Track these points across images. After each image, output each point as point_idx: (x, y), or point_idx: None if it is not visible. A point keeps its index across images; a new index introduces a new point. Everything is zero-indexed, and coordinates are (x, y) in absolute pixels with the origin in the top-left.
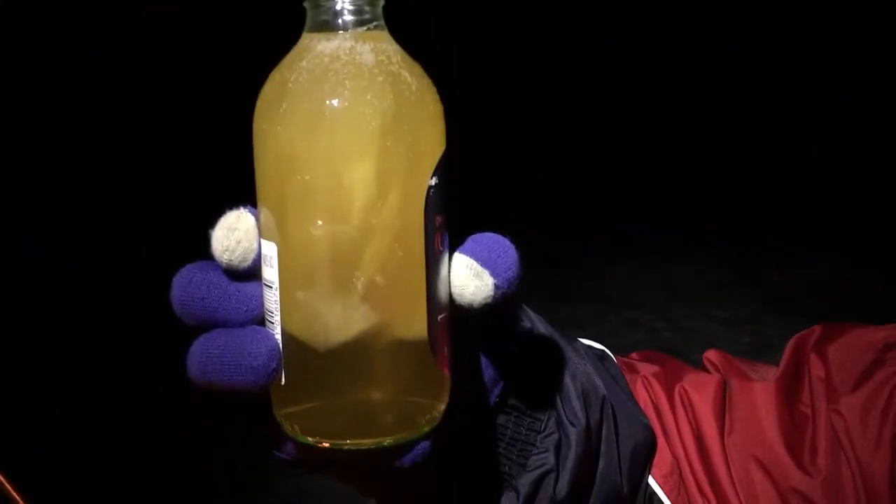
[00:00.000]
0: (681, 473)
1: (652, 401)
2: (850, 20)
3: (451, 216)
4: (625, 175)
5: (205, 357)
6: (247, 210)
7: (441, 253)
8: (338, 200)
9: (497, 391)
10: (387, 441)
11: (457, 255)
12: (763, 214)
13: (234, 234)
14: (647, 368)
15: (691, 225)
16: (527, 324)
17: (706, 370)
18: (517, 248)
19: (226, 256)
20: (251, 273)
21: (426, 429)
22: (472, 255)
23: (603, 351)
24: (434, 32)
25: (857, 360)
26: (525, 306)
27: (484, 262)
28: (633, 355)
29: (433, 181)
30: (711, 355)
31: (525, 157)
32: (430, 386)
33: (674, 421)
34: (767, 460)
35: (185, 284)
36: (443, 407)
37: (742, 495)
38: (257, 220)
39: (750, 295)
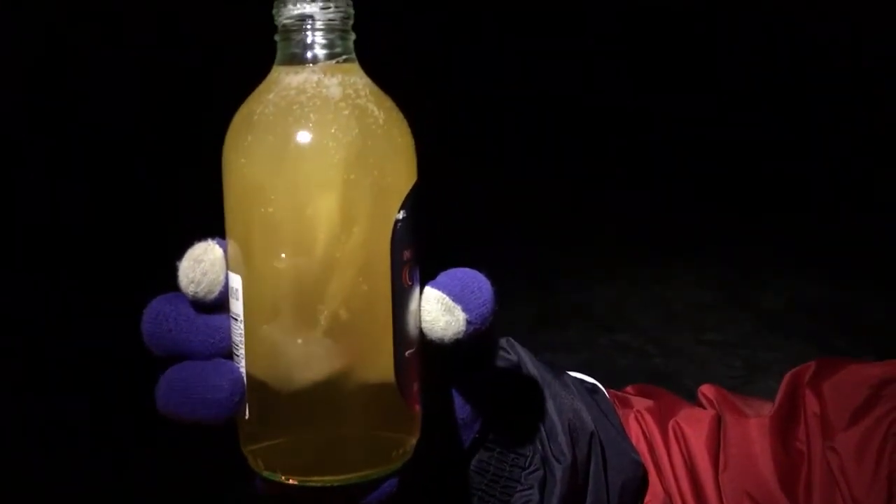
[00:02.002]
0: None
1: (645, 435)
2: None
3: (423, 249)
4: (615, 197)
5: (169, 389)
6: (215, 242)
7: (410, 287)
8: (301, 233)
9: (476, 427)
10: (353, 478)
11: (428, 289)
12: (753, 236)
13: (200, 265)
14: (640, 403)
15: (682, 247)
16: (512, 358)
17: (700, 404)
18: (496, 280)
19: (191, 288)
20: (218, 305)
21: (395, 465)
22: (444, 289)
23: (594, 385)
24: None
25: (853, 397)
26: (514, 341)
27: (456, 298)
28: (628, 389)
29: (401, 215)
30: (706, 390)
31: (514, 176)
32: (398, 422)
33: (667, 456)
34: (761, 497)
35: (154, 316)
36: (413, 442)
37: None
38: (226, 252)
39: (741, 317)
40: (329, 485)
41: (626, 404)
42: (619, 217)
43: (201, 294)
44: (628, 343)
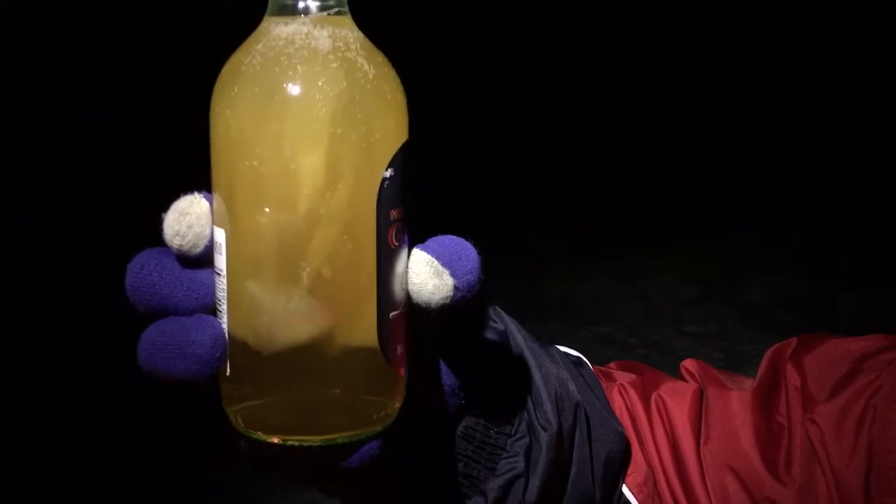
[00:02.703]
0: (655, 482)
1: (628, 409)
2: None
3: (413, 211)
4: (599, 192)
5: (150, 345)
6: (201, 195)
7: (397, 248)
8: (284, 188)
9: (462, 395)
10: (334, 438)
11: (416, 252)
12: (734, 232)
13: (185, 218)
14: (623, 377)
15: (664, 242)
16: (499, 327)
17: (683, 379)
18: (483, 255)
19: (176, 241)
20: (203, 260)
21: (377, 428)
22: (433, 253)
23: (579, 358)
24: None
25: (833, 370)
26: (500, 310)
27: (445, 262)
28: (611, 365)
29: (388, 173)
30: (689, 364)
31: (499, 170)
32: (380, 384)
33: (650, 429)
34: (742, 470)
35: (138, 271)
36: (396, 406)
37: None
38: (212, 206)
39: (722, 311)
40: (310, 445)
41: (610, 378)
42: (602, 212)
43: (186, 247)
44: (611, 336)
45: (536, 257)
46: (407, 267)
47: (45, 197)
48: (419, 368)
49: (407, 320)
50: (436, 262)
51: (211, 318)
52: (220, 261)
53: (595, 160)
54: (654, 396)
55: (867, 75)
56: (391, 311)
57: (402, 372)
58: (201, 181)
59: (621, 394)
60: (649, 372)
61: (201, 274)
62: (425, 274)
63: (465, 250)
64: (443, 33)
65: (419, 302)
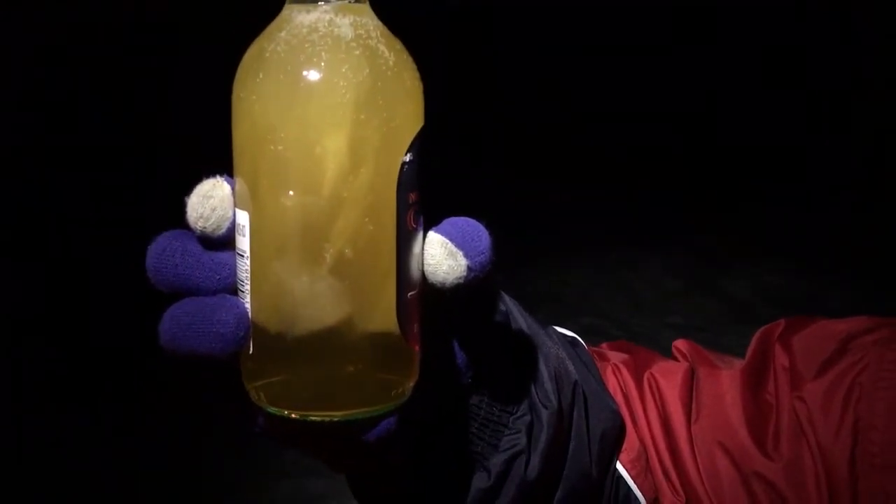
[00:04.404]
0: (647, 458)
1: (621, 387)
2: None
3: (427, 196)
4: (585, 186)
5: (174, 324)
6: (223, 179)
7: (414, 230)
8: (309, 171)
9: (469, 374)
10: (353, 414)
11: (431, 234)
12: (718, 226)
13: (208, 201)
14: (616, 356)
15: (649, 236)
16: (502, 308)
17: (674, 359)
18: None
19: (199, 224)
20: (225, 242)
21: (395, 404)
22: (447, 235)
23: (574, 338)
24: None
25: (820, 350)
26: (503, 293)
27: (458, 244)
28: (603, 345)
29: (408, 157)
30: (680, 345)
31: (487, 163)
32: (397, 362)
33: (642, 407)
34: (731, 446)
35: (160, 252)
36: (411, 384)
37: (706, 480)
38: (233, 189)
39: (704, 303)
40: (329, 420)
41: (603, 358)
42: (588, 206)
43: (209, 229)
44: (596, 328)
45: (521, 250)
46: (423, 248)
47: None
48: (432, 347)
49: (422, 300)
50: (450, 244)
51: (234, 297)
52: (244, 242)
53: (581, 153)
54: (646, 375)
55: (858, 72)
56: (409, 291)
57: (417, 350)
58: (223, 167)
59: (614, 373)
60: (641, 352)
61: (223, 255)
62: (440, 255)
63: (478, 232)
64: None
65: (434, 282)
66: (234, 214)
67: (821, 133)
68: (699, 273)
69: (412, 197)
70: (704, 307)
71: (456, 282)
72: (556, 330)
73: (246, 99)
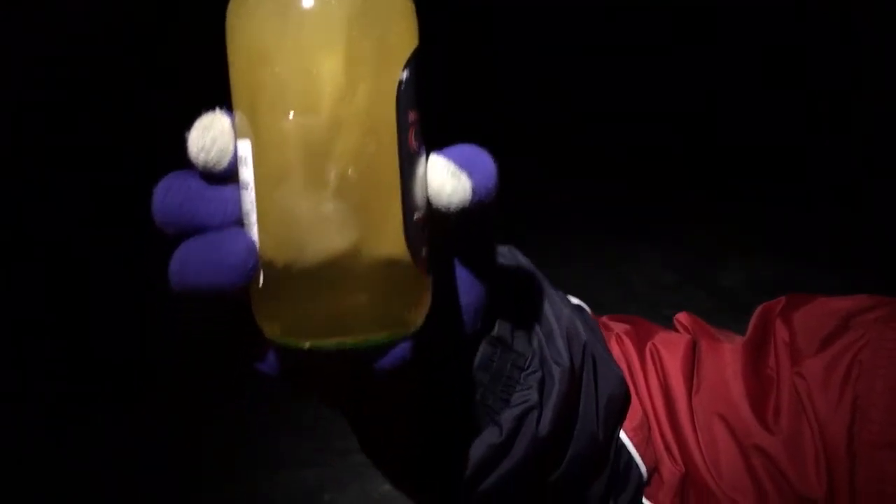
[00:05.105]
0: (649, 428)
1: (624, 357)
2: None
3: (426, 117)
4: (579, 179)
5: (183, 260)
6: (222, 111)
7: (416, 152)
8: (307, 92)
9: (478, 317)
10: (367, 340)
11: (434, 156)
12: (711, 219)
13: (209, 133)
14: (618, 326)
15: (643, 229)
16: (515, 261)
17: (676, 332)
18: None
19: (202, 157)
20: (228, 176)
21: (408, 330)
22: (450, 157)
23: (580, 305)
24: None
25: (821, 327)
26: (516, 249)
27: (462, 165)
28: (604, 318)
29: (404, 75)
30: (682, 318)
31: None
32: (409, 287)
33: (644, 377)
34: (731, 418)
35: (164, 191)
36: (424, 309)
37: (705, 452)
38: (233, 122)
39: (699, 296)
40: (342, 348)
41: (606, 328)
42: (587, 205)
43: (212, 162)
44: None
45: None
46: (426, 170)
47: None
48: (439, 278)
49: (428, 225)
50: (452, 165)
51: (241, 230)
52: (246, 173)
53: (581, 153)
54: (648, 346)
55: (858, 72)
56: (415, 213)
57: (428, 274)
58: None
59: (618, 342)
60: (643, 323)
61: (227, 190)
62: (443, 176)
63: (481, 156)
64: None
65: (439, 205)
66: (236, 147)
67: (821, 133)
68: (693, 266)
69: (412, 116)
70: (698, 300)
71: (461, 203)
72: (562, 294)
73: (239, 25)
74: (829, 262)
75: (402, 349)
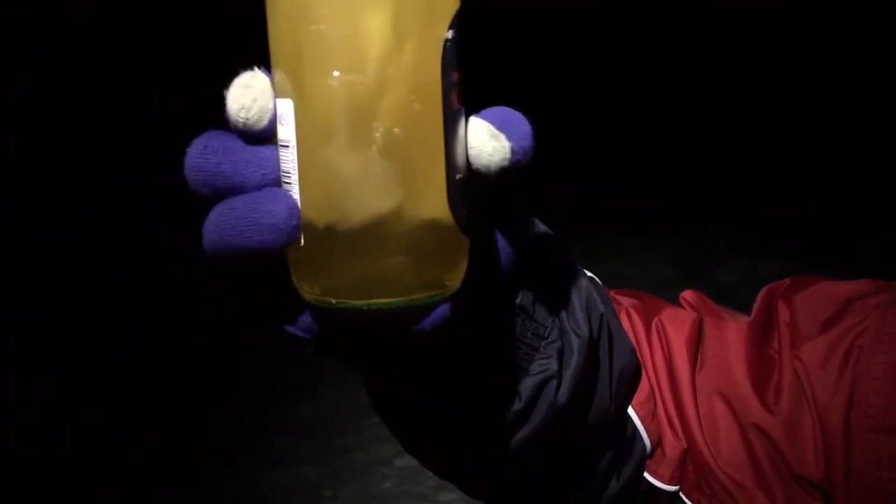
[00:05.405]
0: (655, 403)
1: (632, 331)
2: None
3: (468, 78)
4: (578, 176)
5: (222, 221)
6: (261, 70)
7: (459, 110)
8: (353, 49)
9: (508, 281)
10: (409, 299)
11: (473, 118)
12: (709, 217)
13: (249, 91)
14: (627, 301)
15: (641, 226)
16: (538, 230)
17: (683, 309)
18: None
19: (242, 115)
20: (267, 135)
21: (447, 291)
22: (489, 119)
23: (593, 278)
24: None
25: (822, 310)
26: (538, 221)
27: (500, 127)
28: (613, 291)
29: (449, 34)
30: (688, 295)
31: None
32: (449, 247)
33: (649, 352)
34: (732, 396)
35: (200, 151)
36: (462, 271)
37: (705, 428)
38: (272, 80)
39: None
40: (382, 308)
41: (616, 302)
42: (581, 195)
43: (252, 120)
44: None
45: None
46: (466, 131)
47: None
48: (477, 243)
49: (469, 186)
50: (492, 127)
51: (282, 190)
52: (287, 132)
53: (579, 153)
54: (655, 321)
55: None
56: (457, 174)
57: (466, 236)
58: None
59: (627, 316)
60: (651, 298)
61: (265, 150)
62: (484, 137)
63: (518, 118)
64: None
65: (479, 166)
66: (275, 106)
67: (818, 133)
68: (691, 263)
69: (455, 76)
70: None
71: (501, 164)
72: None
73: None
74: (826, 261)
75: (444, 309)
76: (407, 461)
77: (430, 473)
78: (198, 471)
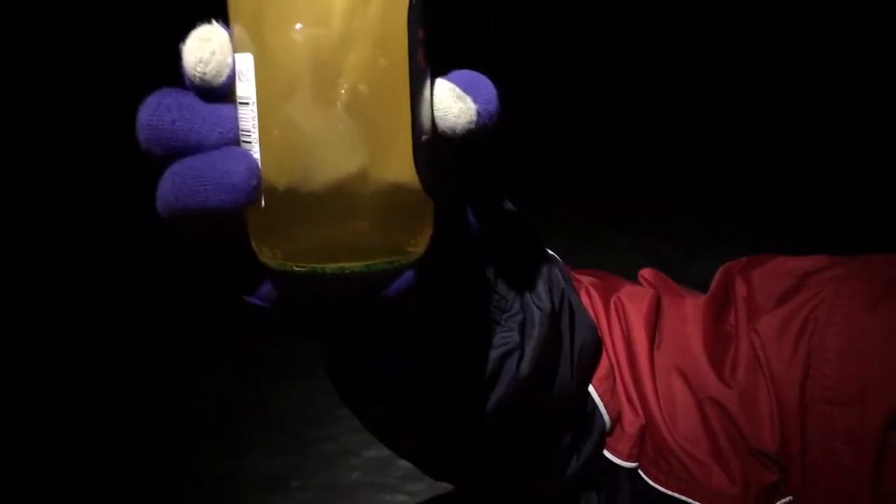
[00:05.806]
0: (614, 379)
1: (592, 308)
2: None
3: (434, 36)
4: (555, 170)
5: (178, 181)
6: (219, 24)
7: (425, 69)
8: (317, 1)
9: (474, 250)
10: (372, 264)
11: (439, 80)
12: (686, 213)
13: (207, 44)
14: (586, 279)
15: (619, 220)
16: (501, 204)
17: (641, 286)
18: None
19: (199, 69)
20: (225, 92)
21: (413, 256)
22: (455, 81)
23: (553, 255)
24: None
25: (779, 284)
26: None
27: (466, 89)
28: (573, 271)
29: None
30: (646, 273)
31: None
32: (414, 211)
33: (608, 329)
34: (689, 371)
35: (154, 108)
36: (427, 237)
37: (663, 404)
38: (230, 35)
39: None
40: (344, 273)
41: (576, 280)
42: (577, 191)
43: (210, 75)
44: None
45: None
46: (432, 93)
47: None
48: (441, 209)
49: (434, 148)
50: (457, 88)
51: (241, 148)
52: (247, 88)
53: (573, 135)
54: (613, 298)
55: (854, 66)
56: (423, 135)
57: (432, 202)
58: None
59: (586, 294)
60: (609, 277)
61: (223, 108)
62: (449, 98)
63: (483, 81)
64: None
65: (444, 128)
66: (234, 60)
67: (817, 126)
68: (667, 257)
69: (421, 33)
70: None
71: (467, 126)
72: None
73: None
74: (800, 251)
75: (408, 276)
76: (377, 451)
77: (399, 464)
78: (164, 462)
